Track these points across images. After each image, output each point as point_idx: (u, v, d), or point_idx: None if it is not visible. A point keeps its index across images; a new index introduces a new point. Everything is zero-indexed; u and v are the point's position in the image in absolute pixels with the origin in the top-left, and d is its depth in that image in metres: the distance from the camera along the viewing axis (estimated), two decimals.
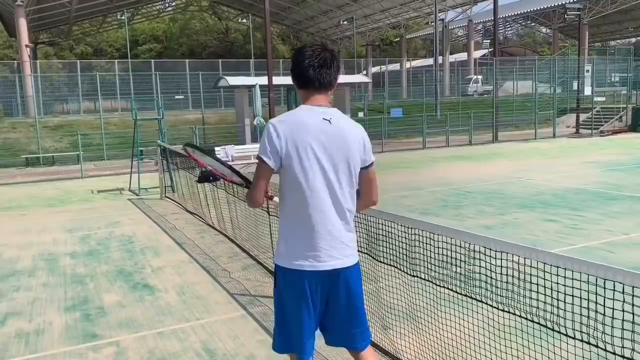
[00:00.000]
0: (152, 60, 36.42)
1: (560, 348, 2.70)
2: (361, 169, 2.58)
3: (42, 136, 21.42)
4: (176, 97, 30.51)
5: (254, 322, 4.76)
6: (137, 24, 54.19)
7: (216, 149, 16.21)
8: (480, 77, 40.98)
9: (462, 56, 49.53)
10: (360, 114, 26.31)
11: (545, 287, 2.64)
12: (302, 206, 2.48)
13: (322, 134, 2.46)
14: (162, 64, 35.51)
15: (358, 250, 4.09)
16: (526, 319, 2.75)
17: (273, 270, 2.69)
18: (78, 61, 34.60)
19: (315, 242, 2.47)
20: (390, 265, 3.66)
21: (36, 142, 20.86)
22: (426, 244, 3.36)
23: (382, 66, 45.03)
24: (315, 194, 2.46)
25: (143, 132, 15.59)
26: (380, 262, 3.77)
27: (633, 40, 58.99)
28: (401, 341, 3.95)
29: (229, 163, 16.17)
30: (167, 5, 50.50)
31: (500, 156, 18.12)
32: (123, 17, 41.42)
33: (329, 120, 2.48)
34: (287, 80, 25.23)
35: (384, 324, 4.12)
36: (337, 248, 2.51)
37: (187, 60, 35.58)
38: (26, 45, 27.74)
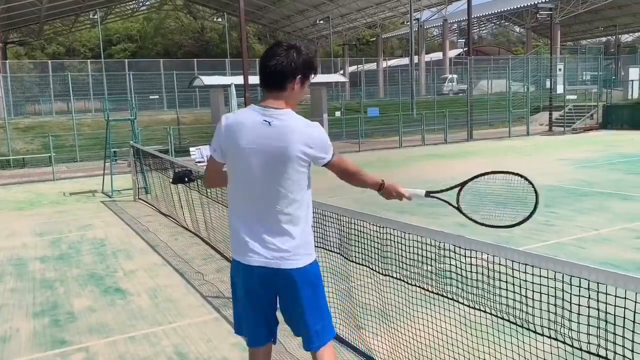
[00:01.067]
0: (126, 60, 35.93)
1: (530, 345, 2.72)
2: (323, 166, 2.57)
3: (13, 138, 20.96)
4: (151, 97, 30.15)
5: (227, 325, 4.70)
6: (111, 23, 53.39)
7: (191, 149, 16.04)
8: (455, 76, 41.37)
9: (438, 55, 49.96)
10: (337, 114, 26.36)
11: (514, 284, 2.66)
12: (234, 200, 2.61)
13: (257, 135, 2.43)
14: (137, 63, 35.03)
15: (330, 250, 4.09)
16: (496, 316, 2.76)
17: None
18: (50, 61, 33.93)
19: (242, 236, 2.56)
20: (362, 264, 3.64)
21: (6, 143, 20.40)
22: (398, 242, 3.35)
23: (358, 66, 45.16)
24: (241, 192, 2.54)
25: (116, 133, 15.35)
26: (352, 261, 3.75)
27: (604, 39, 60.28)
28: (374, 340, 3.94)
29: (204, 164, 15.98)
30: (141, 4, 49.82)
31: (475, 154, 18.31)
32: (96, 17, 40.73)
33: (269, 123, 2.43)
34: None
35: (356, 323, 4.11)
36: (268, 247, 2.49)
37: (161, 60, 35.22)
38: None
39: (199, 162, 15.10)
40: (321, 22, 43.80)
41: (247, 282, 2.57)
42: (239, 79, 20.16)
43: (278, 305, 2.66)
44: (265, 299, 2.60)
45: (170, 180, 9.56)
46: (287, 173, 2.45)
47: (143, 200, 11.54)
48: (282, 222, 2.49)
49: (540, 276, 2.42)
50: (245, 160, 2.47)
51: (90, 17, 42.89)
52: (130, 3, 47.26)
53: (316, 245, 4.24)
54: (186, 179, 8.88)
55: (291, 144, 2.41)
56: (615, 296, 2.08)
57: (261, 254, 2.49)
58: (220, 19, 46.00)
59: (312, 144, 2.46)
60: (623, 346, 2.11)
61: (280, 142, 2.41)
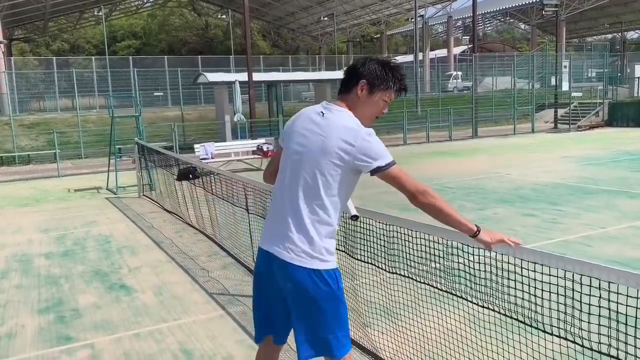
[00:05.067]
0: (131, 57, 35.89)
1: (539, 344, 2.69)
2: (373, 175, 2.42)
3: (18, 134, 21.00)
4: (155, 93, 30.16)
5: (232, 322, 4.70)
6: (115, 20, 53.39)
7: (196, 146, 16.05)
8: (459, 73, 41.24)
9: (442, 52, 49.82)
10: None
11: (522, 283, 2.63)
12: (274, 189, 2.63)
13: (308, 122, 2.48)
14: (141, 60, 35.06)
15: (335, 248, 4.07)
16: (505, 314, 2.74)
17: (253, 269, 2.68)
18: (54, 58, 33.96)
19: (269, 223, 2.57)
20: (368, 262, 3.62)
21: (11, 140, 20.44)
22: (405, 240, 3.33)
23: None
24: (280, 183, 2.55)
25: (121, 130, 15.37)
26: (358, 259, 3.73)
27: (609, 36, 59.96)
28: (380, 339, 3.93)
29: (209, 160, 16.03)
30: (145, 1, 49.83)
31: (480, 151, 18.25)
32: (100, 13, 40.73)
33: (323, 114, 2.46)
34: (268, 76, 25.23)
35: (363, 321, 4.09)
36: (286, 239, 2.42)
37: (166, 56, 35.14)
38: (0, 42, 27.15)
39: (204, 158, 15.10)
40: (325, 18, 43.69)
41: (260, 268, 2.59)
42: (243, 76, 20.13)
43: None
44: (271, 292, 2.54)
45: (175, 177, 9.57)
46: (320, 166, 2.39)
47: (148, 197, 11.54)
48: (303, 217, 2.41)
49: (550, 275, 2.39)
50: (290, 145, 2.51)
51: (95, 14, 42.89)
52: (135, 0, 47.26)
53: None
54: (191, 176, 8.88)
55: (332, 137, 2.38)
56: (627, 296, 2.05)
57: (277, 243, 2.45)
58: (224, 16, 46.00)
59: (354, 142, 2.36)
60: (635, 346, 2.09)
61: (323, 133, 2.41)
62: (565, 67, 28.60)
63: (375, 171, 2.38)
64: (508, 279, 2.72)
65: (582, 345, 2.28)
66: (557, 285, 2.39)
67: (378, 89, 2.50)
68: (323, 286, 2.40)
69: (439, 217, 2.43)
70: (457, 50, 49.50)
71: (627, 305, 2.07)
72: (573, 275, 2.23)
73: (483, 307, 2.84)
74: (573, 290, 2.29)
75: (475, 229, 2.41)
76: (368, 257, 3.64)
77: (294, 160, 2.47)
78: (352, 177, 2.46)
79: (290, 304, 2.48)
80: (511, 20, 56.91)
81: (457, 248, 2.89)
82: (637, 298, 2.03)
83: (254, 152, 16.18)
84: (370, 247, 3.61)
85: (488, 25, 64.16)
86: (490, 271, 2.81)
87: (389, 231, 3.39)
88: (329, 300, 2.41)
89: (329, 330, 2.43)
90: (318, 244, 2.41)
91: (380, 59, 2.57)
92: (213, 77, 21.18)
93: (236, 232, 6.59)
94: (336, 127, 2.40)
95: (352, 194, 2.62)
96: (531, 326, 2.59)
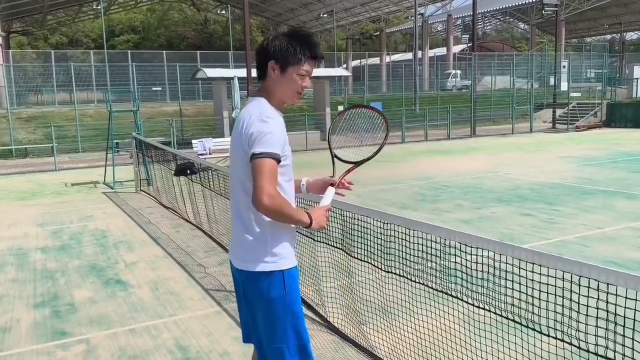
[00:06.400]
0: (129, 51, 35.78)
1: (534, 345, 2.69)
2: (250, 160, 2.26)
3: (15, 127, 20.92)
4: (153, 88, 30.06)
5: (228, 319, 4.69)
6: (114, 14, 53.20)
7: (194, 141, 16.02)
8: (459, 71, 41.22)
9: (442, 51, 49.75)
10: (340, 108, 26.27)
11: (520, 283, 2.62)
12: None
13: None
14: (140, 55, 34.92)
15: (332, 245, 4.06)
16: (501, 315, 2.73)
17: None
18: (52, 51, 33.81)
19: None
20: (365, 261, 3.61)
21: (9, 133, 20.36)
22: (402, 239, 3.32)
23: (362, 60, 45.00)
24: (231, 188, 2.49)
25: (119, 124, 15.33)
26: (355, 257, 3.72)
27: (608, 37, 59.98)
28: (376, 337, 3.92)
29: (207, 156, 15.95)
30: None
31: (478, 150, 18.25)
32: (99, 7, 40.57)
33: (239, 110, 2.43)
34: None
35: (359, 319, 4.09)
36: (241, 246, 2.38)
37: (164, 51, 35.03)
38: None
39: (201, 154, 15.07)
40: (325, 15, 43.62)
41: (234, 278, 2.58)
42: (242, 72, 20.06)
43: None
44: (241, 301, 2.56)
45: (173, 172, 9.55)
46: (244, 166, 2.29)
47: (145, 192, 11.51)
48: (244, 220, 2.34)
49: (548, 275, 2.38)
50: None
51: (94, 7, 42.75)
52: None
53: (318, 240, 4.23)
54: (188, 172, 8.86)
55: (241, 133, 2.29)
56: (626, 297, 2.04)
57: (234, 251, 2.46)
58: (223, 11, 45.84)
59: (247, 131, 2.25)
60: (633, 348, 2.08)
61: (236, 133, 2.35)
62: (564, 67, 28.60)
63: (251, 159, 2.22)
64: (505, 279, 2.71)
65: (579, 347, 2.27)
66: (555, 286, 2.38)
67: (289, 65, 2.32)
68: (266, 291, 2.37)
69: (280, 218, 2.26)
70: (456, 48, 49.45)
71: (625, 307, 2.06)
72: (571, 276, 2.22)
73: (479, 307, 2.83)
74: (571, 291, 2.28)
75: (308, 221, 2.31)
76: (365, 255, 3.63)
77: (231, 172, 2.46)
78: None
79: (243, 306, 2.56)
80: (511, 20, 56.86)
81: (455, 247, 2.88)
82: (635, 300, 2.02)
83: None
84: (368, 245, 3.59)
85: (487, 24, 64.10)
86: (487, 271, 2.80)
87: (387, 230, 3.38)
88: (274, 305, 2.37)
89: (281, 341, 2.37)
90: (261, 244, 2.34)
91: (287, 31, 2.38)
92: (212, 72, 21.12)
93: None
94: (242, 123, 2.31)
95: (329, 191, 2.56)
96: (527, 327, 2.58)
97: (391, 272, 3.45)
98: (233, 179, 2.42)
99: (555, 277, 2.34)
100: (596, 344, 2.18)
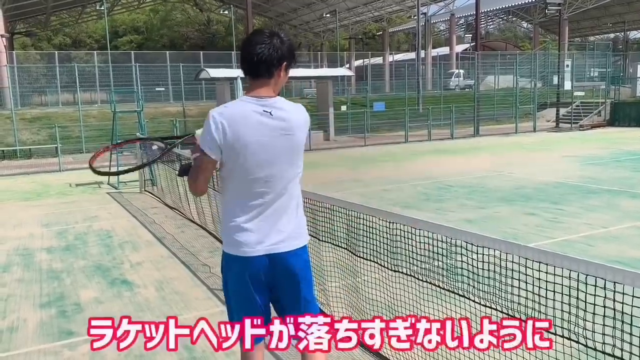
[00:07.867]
0: (132, 52, 35.86)
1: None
2: None
3: (19, 128, 20.98)
4: (157, 89, 30.12)
5: None
6: (117, 14, 53.35)
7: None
8: (462, 71, 41.19)
9: (444, 50, 49.73)
10: (343, 108, 26.30)
11: (526, 282, 2.63)
12: (240, 198, 2.59)
13: (263, 127, 2.38)
14: (143, 55, 34.96)
15: (337, 245, 4.07)
16: (507, 314, 2.73)
17: None
18: (56, 52, 33.91)
19: (251, 229, 2.63)
20: (370, 260, 3.62)
21: (13, 134, 20.43)
22: (407, 238, 3.32)
23: (364, 59, 44.99)
24: (254, 187, 2.48)
25: (122, 125, 15.36)
26: (360, 257, 3.72)
27: (612, 36, 59.83)
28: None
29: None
30: None
31: (482, 150, 18.23)
32: (102, 8, 40.66)
33: (270, 113, 2.39)
34: None
35: (364, 318, 4.09)
36: (297, 226, 2.59)
37: (167, 52, 35.10)
38: (1, 35, 27.10)
39: None
40: (328, 15, 43.62)
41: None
42: None
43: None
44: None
45: (177, 172, 9.56)
46: (299, 161, 2.52)
47: (149, 192, 11.55)
48: (297, 199, 2.58)
49: (554, 274, 2.39)
50: (255, 155, 2.38)
51: (97, 8, 42.89)
52: None
53: (323, 240, 4.24)
54: None
55: (297, 131, 2.45)
56: (633, 296, 2.05)
57: (290, 235, 2.54)
58: (226, 12, 45.84)
59: (307, 127, 2.55)
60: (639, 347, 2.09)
61: (288, 132, 2.42)
62: (567, 66, 28.54)
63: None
64: (512, 278, 2.71)
65: (586, 345, 2.28)
66: (562, 285, 2.38)
67: (291, 64, 2.50)
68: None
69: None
70: (459, 48, 49.42)
71: (632, 306, 2.07)
72: (578, 274, 2.22)
73: (486, 306, 2.84)
74: (577, 289, 2.29)
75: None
76: (371, 255, 3.63)
77: (271, 170, 2.53)
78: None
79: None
80: (514, 19, 56.82)
81: (461, 247, 2.89)
82: None
83: None
84: (373, 244, 3.60)
85: (490, 23, 64.03)
86: (494, 270, 2.81)
87: (392, 229, 3.38)
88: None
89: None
90: (303, 223, 2.67)
91: (273, 33, 2.47)
92: (215, 72, 21.16)
93: None
94: (296, 120, 2.51)
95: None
96: None
97: (398, 271, 3.46)
98: (277, 176, 2.45)
99: (562, 276, 2.35)
100: (603, 342, 2.18)
